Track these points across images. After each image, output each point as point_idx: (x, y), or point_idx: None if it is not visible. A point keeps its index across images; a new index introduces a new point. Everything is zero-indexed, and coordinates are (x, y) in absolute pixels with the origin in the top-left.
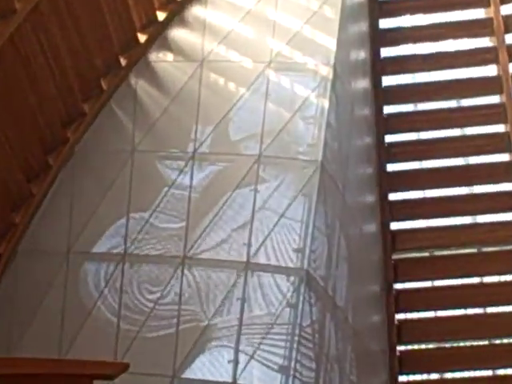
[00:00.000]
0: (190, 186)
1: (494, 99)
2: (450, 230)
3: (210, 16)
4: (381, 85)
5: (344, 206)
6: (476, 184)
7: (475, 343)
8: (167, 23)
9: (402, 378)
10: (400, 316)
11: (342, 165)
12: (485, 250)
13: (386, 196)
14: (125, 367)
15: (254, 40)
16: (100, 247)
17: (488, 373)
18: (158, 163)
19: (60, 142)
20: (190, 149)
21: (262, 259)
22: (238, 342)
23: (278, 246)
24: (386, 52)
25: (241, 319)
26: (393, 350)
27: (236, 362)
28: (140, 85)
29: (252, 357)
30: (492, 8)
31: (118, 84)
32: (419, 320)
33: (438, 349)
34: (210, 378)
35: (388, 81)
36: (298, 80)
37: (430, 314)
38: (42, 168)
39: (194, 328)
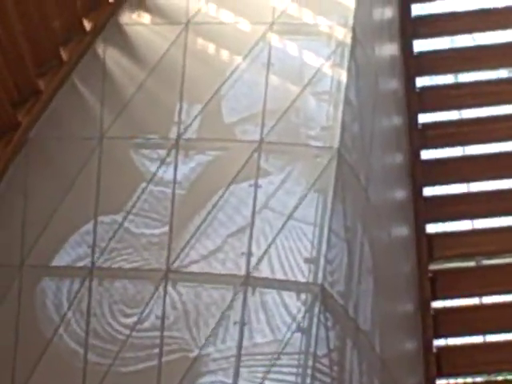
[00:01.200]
0: (174, 182)
1: None
2: (502, 233)
3: None
4: (412, 51)
5: (367, 205)
6: None
7: None
8: None
9: None
10: (439, 342)
11: (364, 152)
12: None
13: (421, 191)
14: None
15: None
16: (61, 259)
17: None
18: (132, 153)
19: (9, 128)
20: (173, 134)
21: (265, 272)
22: (236, 376)
23: (286, 255)
24: (417, 9)
25: (239, 348)
26: None
27: None
28: (109, 54)
29: None
30: None
31: (81, 54)
32: (463, 347)
33: (486, 383)
34: None
35: (421, 46)
36: (307, 46)
37: (478, 340)
38: None
39: (182, 360)
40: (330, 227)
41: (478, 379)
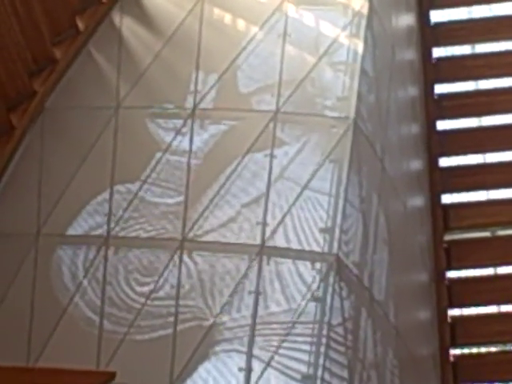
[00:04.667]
0: (190, 151)
1: None
2: None
3: None
4: (429, 21)
5: (383, 175)
6: None
7: None
8: None
9: None
10: (454, 312)
11: (380, 123)
12: None
13: (437, 161)
14: (110, 377)
15: None
16: (77, 228)
17: None
18: (148, 122)
19: (25, 97)
20: (189, 104)
21: (280, 242)
22: (251, 345)
23: (301, 225)
24: None
25: (254, 317)
26: (445, 354)
27: (249, 370)
28: (126, 24)
29: (269, 364)
30: None
31: (97, 23)
32: (478, 317)
33: (501, 353)
34: None
35: (438, 16)
36: (324, 16)
37: (492, 310)
38: (3, 129)
39: (196, 328)
40: (346, 197)
41: (493, 349)
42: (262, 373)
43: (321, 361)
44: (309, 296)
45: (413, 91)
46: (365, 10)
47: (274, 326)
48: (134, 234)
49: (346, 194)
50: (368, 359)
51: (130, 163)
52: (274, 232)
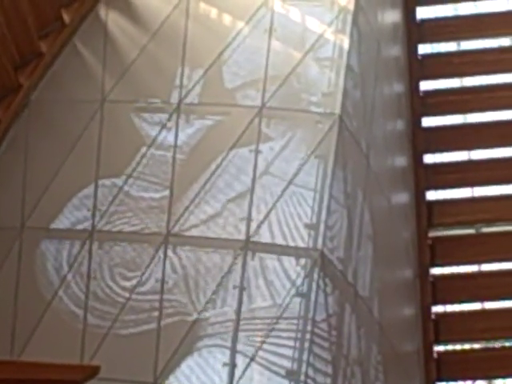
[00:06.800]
0: (175, 146)
1: None
2: (502, 201)
3: None
4: (415, 18)
5: (368, 171)
6: None
7: None
8: None
9: None
10: (438, 309)
11: (365, 119)
12: None
13: (422, 158)
14: (94, 371)
15: None
16: (61, 222)
17: None
18: (134, 116)
19: (11, 90)
20: (175, 99)
21: (265, 237)
22: (235, 340)
23: (286, 220)
24: None
25: (239, 312)
26: (429, 350)
27: (233, 365)
28: (111, 17)
29: (252, 359)
30: None
31: (83, 16)
32: (462, 314)
33: (484, 350)
34: None
35: (423, 13)
36: (310, 12)
37: (476, 307)
38: None
39: (180, 323)
40: (331, 193)
41: (476, 346)
42: (246, 368)
43: (305, 356)
44: (293, 292)
45: (398, 88)
46: (351, 6)
47: (258, 321)
48: (118, 229)
49: (331, 190)
50: (352, 355)
51: (115, 157)
52: (258, 227)
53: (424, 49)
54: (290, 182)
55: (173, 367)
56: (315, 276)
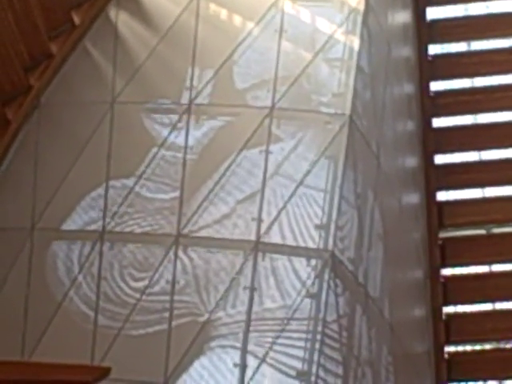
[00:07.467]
0: (185, 147)
1: None
2: None
3: None
4: (425, 18)
5: (378, 172)
6: None
7: None
8: None
9: None
10: (449, 309)
11: (375, 120)
12: None
13: (432, 159)
14: (104, 372)
15: None
16: (72, 223)
17: None
18: (144, 118)
19: (21, 92)
20: (185, 99)
21: (275, 238)
22: (245, 341)
23: (296, 221)
24: None
25: (249, 313)
26: (440, 351)
27: (244, 366)
28: (121, 19)
29: (263, 360)
30: None
31: (93, 18)
32: (473, 314)
33: (495, 350)
34: None
35: (434, 13)
36: (320, 12)
37: (487, 307)
38: None
39: (191, 324)
40: (341, 194)
41: (487, 346)
42: (257, 369)
43: (315, 357)
44: (304, 292)
45: (408, 88)
46: (361, 7)
47: (269, 322)
48: (129, 230)
49: (342, 191)
50: (363, 356)
51: (126, 158)
52: (269, 228)
53: (434, 49)
54: (301, 183)
55: (184, 368)
56: (326, 277)
